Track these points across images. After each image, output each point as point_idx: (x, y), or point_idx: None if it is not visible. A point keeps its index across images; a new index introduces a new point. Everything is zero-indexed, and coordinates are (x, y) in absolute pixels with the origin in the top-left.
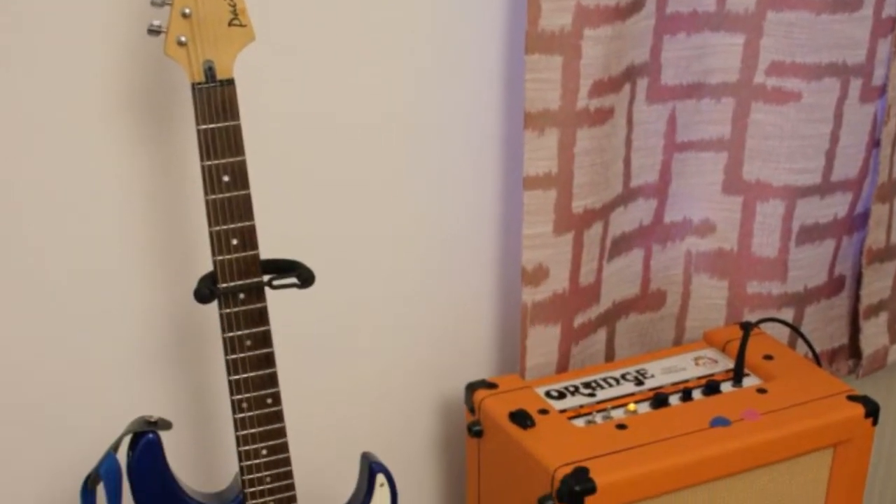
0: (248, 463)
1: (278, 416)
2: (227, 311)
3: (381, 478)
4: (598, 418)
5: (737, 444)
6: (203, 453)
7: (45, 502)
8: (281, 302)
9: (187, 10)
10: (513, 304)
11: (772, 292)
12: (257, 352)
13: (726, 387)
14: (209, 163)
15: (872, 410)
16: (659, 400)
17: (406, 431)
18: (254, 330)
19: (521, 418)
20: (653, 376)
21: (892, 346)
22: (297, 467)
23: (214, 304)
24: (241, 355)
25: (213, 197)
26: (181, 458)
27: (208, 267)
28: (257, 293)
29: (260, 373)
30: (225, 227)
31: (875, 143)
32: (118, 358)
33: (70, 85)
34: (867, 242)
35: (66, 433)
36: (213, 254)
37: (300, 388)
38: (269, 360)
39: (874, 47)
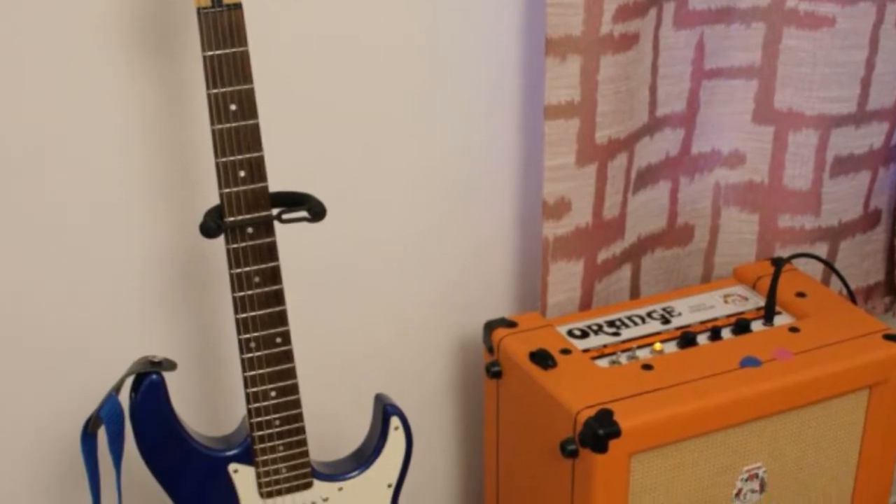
0: (256, 405)
1: (288, 357)
2: (235, 246)
3: (395, 421)
4: (623, 358)
5: (768, 385)
6: (209, 395)
7: (43, 447)
8: (290, 236)
9: None
10: (533, 238)
11: (804, 226)
12: (266, 289)
13: (757, 325)
14: (216, 91)
15: None
16: (686, 339)
17: (421, 372)
18: (262, 266)
19: (542, 358)
20: (680, 314)
21: None
22: (307, 410)
23: (221, 240)
24: (249, 293)
25: (220, 127)
26: (186, 400)
27: (214, 200)
28: (266, 227)
29: (268, 311)
30: (232, 158)
31: None
32: (120, 296)
33: (69, 11)
34: None
35: (65, 375)
36: (220, 186)
37: (311, 327)
38: (278, 298)
39: None
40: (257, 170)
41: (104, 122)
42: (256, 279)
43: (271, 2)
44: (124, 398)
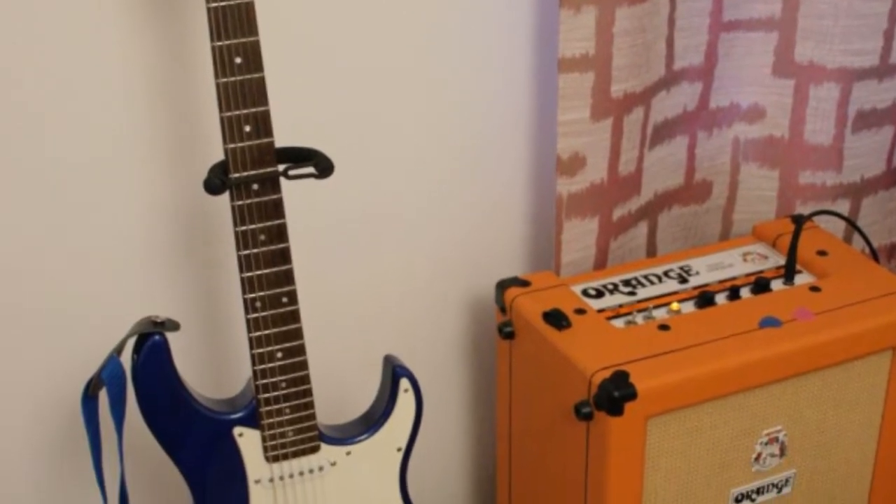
0: (262, 367)
1: (294, 317)
2: (240, 203)
3: (405, 382)
4: (639, 318)
5: (788, 346)
6: (213, 356)
7: (43, 410)
8: (297, 193)
9: None
10: (547, 195)
11: (826, 183)
12: (272, 247)
13: (777, 284)
14: (220, 43)
15: None
16: (704, 299)
17: (432, 333)
18: (268, 223)
19: (556, 318)
20: (698, 273)
21: None
22: (314, 372)
23: (226, 196)
24: (255, 251)
25: (225, 80)
26: (190, 361)
27: (219, 155)
28: (272, 184)
29: (275, 270)
30: (237, 112)
31: None
32: (122, 254)
33: None
34: None
35: (65, 336)
36: (225, 141)
37: (318, 286)
38: (284, 257)
39: None
40: (263, 124)
41: (105, 76)
42: (262, 237)
43: None
44: (126, 359)
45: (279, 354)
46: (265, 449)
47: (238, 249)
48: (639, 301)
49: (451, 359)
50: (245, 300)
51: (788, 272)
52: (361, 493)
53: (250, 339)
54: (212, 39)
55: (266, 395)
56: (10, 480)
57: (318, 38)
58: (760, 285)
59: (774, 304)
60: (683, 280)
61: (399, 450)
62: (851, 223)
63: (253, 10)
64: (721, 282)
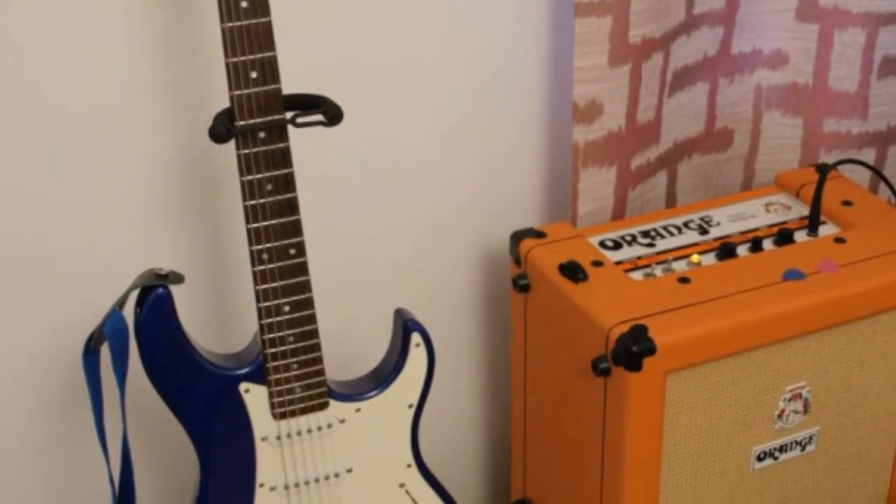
0: (269, 321)
1: (302, 269)
2: (246, 151)
3: (416, 337)
4: (658, 271)
5: (812, 299)
6: (219, 310)
7: (43, 365)
8: (305, 141)
9: None
10: (563, 144)
11: (851, 131)
12: (279, 197)
13: (800, 236)
14: None
15: None
16: (725, 250)
17: (444, 286)
18: (275, 173)
19: (573, 271)
20: (719, 224)
21: None
22: (322, 326)
23: (231, 145)
24: (261, 201)
25: (231, 25)
26: (194, 315)
27: (225, 102)
28: (279, 132)
29: (282, 220)
30: (243, 58)
31: None
32: (124, 205)
33: None
34: None
35: (66, 289)
36: (231, 88)
37: (327, 237)
38: (291, 207)
39: None
40: (270, 70)
41: (107, 20)
42: (269, 187)
43: None
44: (129, 313)
45: (287, 308)
46: (272, 405)
47: (244, 200)
48: (658, 253)
49: (464, 313)
50: (251, 252)
51: (812, 223)
52: (371, 451)
53: (257, 293)
54: None
55: (273, 350)
56: (9, 438)
57: None
58: (783, 237)
59: (798, 255)
60: (704, 231)
61: (410, 406)
62: (877, 172)
63: None
64: (743, 233)
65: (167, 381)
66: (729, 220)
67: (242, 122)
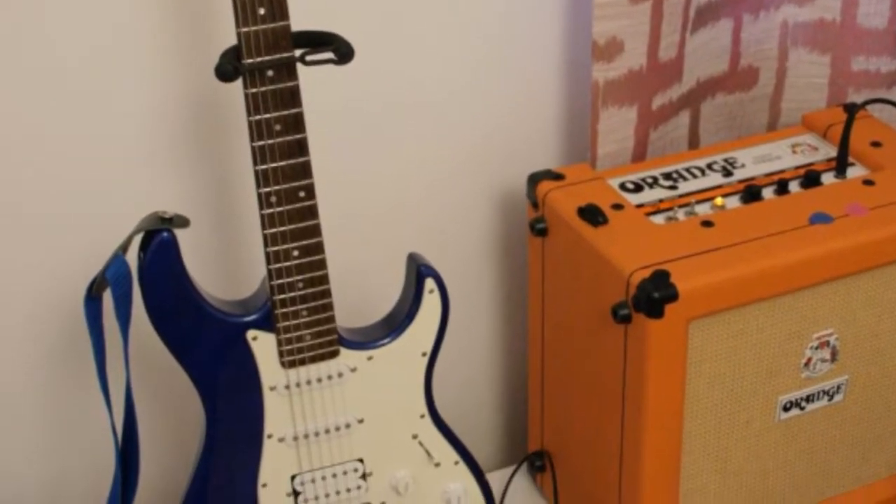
0: (278, 266)
1: (312, 212)
2: (254, 90)
3: (430, 283)
4: (681, 214)
5: (840, 243)
6: (225, 255)
7: (43, 311)
8: (315, 80)
9: None
10: (582, 82)
11: (880, 69)
12: (288, 138)
13: (828, 178)
14: None
15: None
16: (750, 193)
17: (459, 230)
18: (284, 112)
19: (592, 214)
20: (743, 166)
21: None
22: (333, 271)
23: (238, 84)
24: (270, 142)
25: None
26: (200, 260)
27: (232, 40)
28: (288, 70)
29: (291, 162)
30: None
31: None
32: (127, 146)
33: None
34: None
35: (67, 233)
36: (238, 25)
37: (337, 179)
38: (301, 148)
39: None
40: (278, 6)
41: None
42: (277, 127)
43: None
44: (132, 258)
45: (296, 253)
46: (281, 353)
47: (252, 140)
48: (680, 196)
49: (479, 257)
50: (259, 195)
51: (840, 164)
52: (383, 401)
53: (265, 237)
54: None
55: (282, 297)
56: (8, 387)
57: None
58: (810, 179)
59: (825, 198)
60: (728, 173)
61: (424, 354)
62: None
63: None
64: (768, 175)
65: (172, 329)
66: (754, 161)
67: (250, 61)
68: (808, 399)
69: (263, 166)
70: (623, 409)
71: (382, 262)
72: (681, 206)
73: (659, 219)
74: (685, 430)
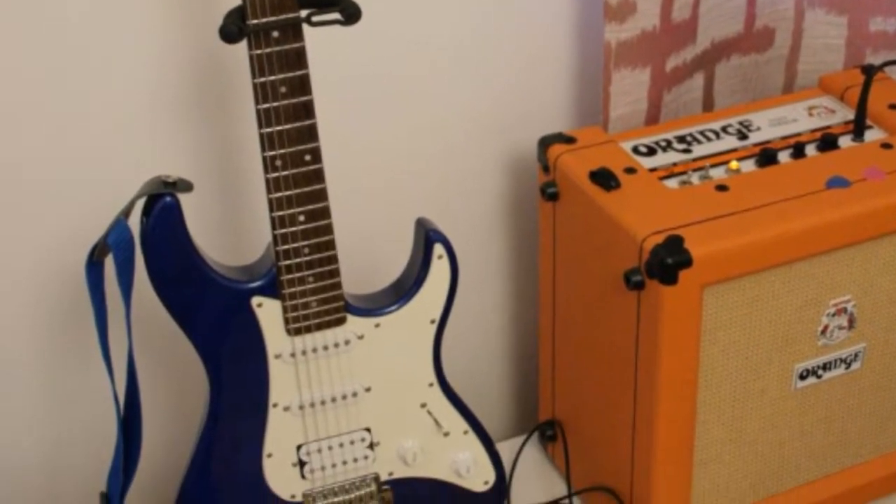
0: (283, 231)
1: (318, 176)
2: (259, 52)
3: (439, 248)
4: (695, 178)
5: (857, 208)
6: (230, 220)
7: (43, 277)
8: (321, 41)
9: None
10: (594, 44)
11: None
12: (294, 100)
13: (845, 141)
14: None
15: None
16: (766, 157)
17: (468, 194)
18: (289, 74)
19: (604, 178)
20: (759, 129)
21: None
22: (340, 237)
23: (243, 45)
24: (275, 104)
25: None
26: (204, 225)
27: (236, 0)
28: (294, 31)
29: (297, 125)
30: None
31: None
32: (130, 108)
33: None
34: None
35: (68, 197)
36: None
37: (344, 142)
38: (307, 110)
39: None
40: None
41: None
42: (283, 89)
43: None
44: (134, 223)
45: (301, 217)
46: (286, 321)
47: (257, 103)
48: (694, 159)
49: (489, 223)
50: (264, 158)
51: (858, 128)
52: (391, 369)
53: (270, 201)
54: None
55: (287, 262)
56: (8, 354)
57: None
58: (827, 142)
59: (842, 162)
60: (743, 136)
61: (432, 322)
62: None
63: None
64: (784, 138)
65: (175, 295)
66: (769, 124)
67: (255, 21)
68: (825, 367)
69: (269, 129)
70: (636, 377)
71: (390, 227)
72: (695, 170)
73: (672, 183)
74: (699, 399)
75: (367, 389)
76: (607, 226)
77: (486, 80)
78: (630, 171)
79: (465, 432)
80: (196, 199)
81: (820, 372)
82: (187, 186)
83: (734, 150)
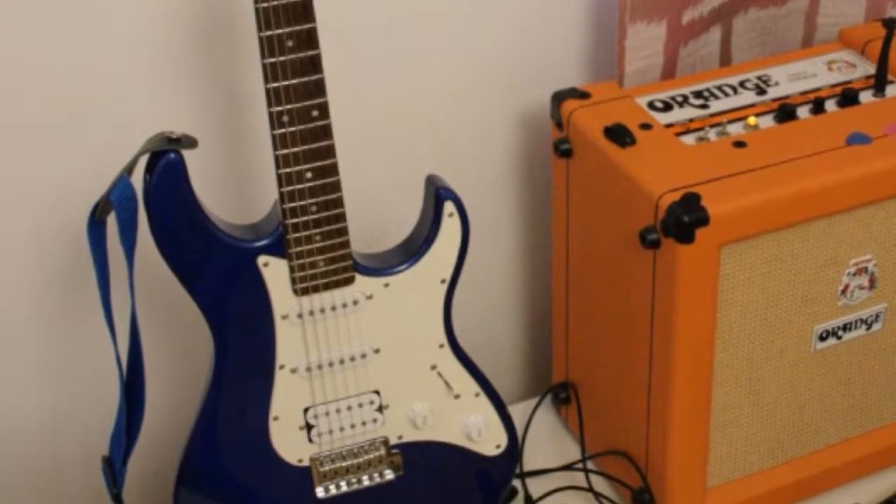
0: (290, 188)
1: (326, 132)
2: (265, 4)
3: (449, 206)
4: (712, 134)
5: (879, 165)
6: (235, 177)
7: (44, 237)
8: None
9: None
10: None
11: None
12: (300, 54)
13: (866, 96)
14: None
15: None
16: (785, 112)
17: (479, 151)
18: (296, 28)
19: (619, 134)
20: (777, 84)
21: None
22: (348, 194)
23: None
24: (282, 59)
25: None
26: (208, 182)
27: None
28: None
29: (304, 80)
30: None
31: None
32: (131, 61)
33: None
34: None
35: (69, 153)
36: None
37: (353, 98)
38: (314, 65)
39: None
40: None
41: None
42: (290, 43)
43: None
44: (137, 180)
45: (309, 175)
46: (293, 280)
47: (263, 57)
48: (711, 115)
49: (500, 180)
50: (271, 114)
51: (879, 82)
52: (400, 330)
53: (276, 158)
54: None
55: (294, 221)
56: (7, 315)
57: None
58: (847, 97)
59: (863, 117)
60: (761, 91)
61: (443, 281)
62: None
63: None
64: (803, 93)
65: (179, 254)
66: (788, 79)
67: None
68: (845, 328)
69: (275, 84)
70: (651, 338)
71: (400, 184)
72: (712, 126)
73: (689, 139)
74: (716, 361)
75: (376, 351)
76: (622, 183)
77: (498, 33)
78: (645, 126)
79: (477, 395)
80: (201, 156)
81: (840, 333)
82: (192, 143)
83: (752, 105)
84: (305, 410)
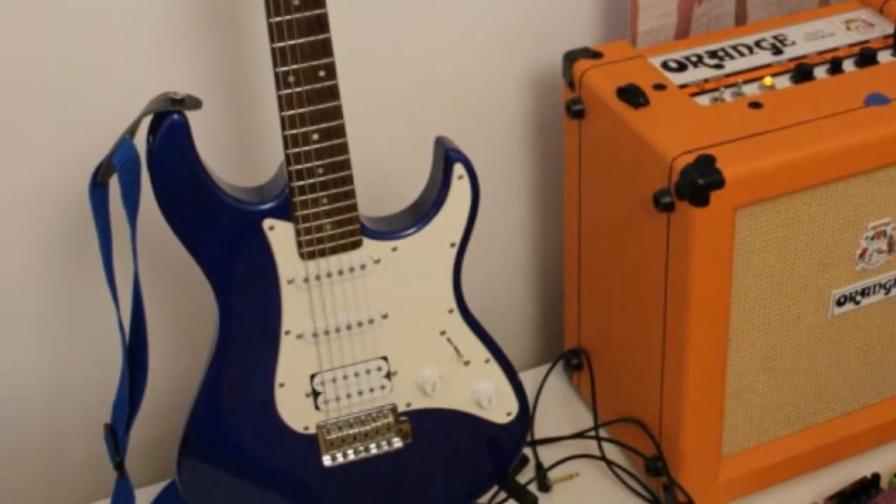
0: (296, 150)
1: (333, 93)
2: None
3: (459, 168)
4: (727, 95)
5: None
6: (240, 139)
7: (45, 200)
8: None
9: None
10: None
11: None
12: (307, 13)
13: (884, 56)
14: None
15: None
16: (801, 72)
17: (490, 111)
18: None
19: (632, 95)
20: (794, 43)
21: None
22: (355, 156)
23: None
24: (288, 17)
25: None
26: (213, 144)
27: None
28: None
29: (310, 39)
30: None
31: None
32: (135, 19)
33: None
34: None
35: (71, 114)
36: None
37: (360, 57)
38: (321, 24)
39: None
40: None
41: None
42: (296, 2)
43: None
44: (140, 142)
45: (315, 136)
46: (299, 244)
47: (268, 16)
48: (727, 75)
49: (511, 142)
50: (276, 74)
51: None
52: (409, 295)
53: (282, 119)
54: None
55: (300, 183)
56: (8, 279)
57: None
58: (866, 57)
59: (882, 78)
60: (778, 51)
61: (452, 245)
62: None
63: None
64: (820, 53)
65: (183, 218)
66: (805, 38)
67: None
68: (864, 293)
69: (281, 44)
70: (665, 303)
71: (408, 146)
72: (727, 87)
73: (704, 100)
74: (732, 327)
75: (384, 316)
76: (635, 145)
77: None
78: (659, 87)
79: (487, 361)
80: (205, 117)
81: (858, 298)
82: (196, 104)
83: (768, 65)
84: (312, 377)
